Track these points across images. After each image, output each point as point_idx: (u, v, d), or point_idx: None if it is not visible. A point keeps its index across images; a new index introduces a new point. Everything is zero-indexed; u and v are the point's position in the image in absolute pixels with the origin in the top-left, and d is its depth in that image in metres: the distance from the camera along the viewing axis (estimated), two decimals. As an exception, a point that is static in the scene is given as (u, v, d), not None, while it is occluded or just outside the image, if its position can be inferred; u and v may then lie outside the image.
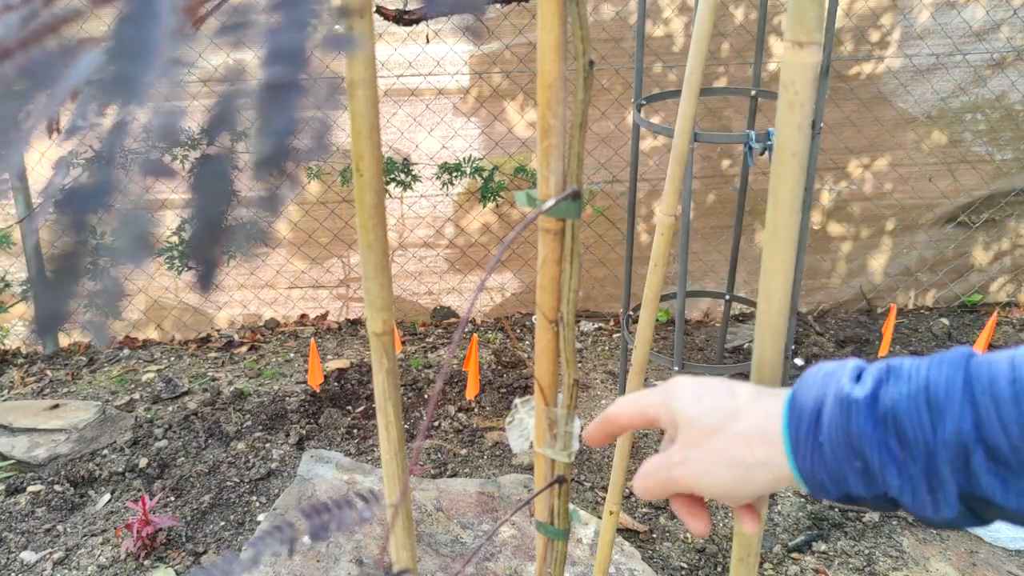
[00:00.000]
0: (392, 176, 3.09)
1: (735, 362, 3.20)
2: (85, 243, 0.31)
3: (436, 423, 2.75)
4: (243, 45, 0.33)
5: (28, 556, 2.15)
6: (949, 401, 0.44)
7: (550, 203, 0.60)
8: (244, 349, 3.33)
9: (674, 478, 0.55)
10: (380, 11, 2.38)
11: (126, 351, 3.33)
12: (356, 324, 3.52)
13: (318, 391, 2.89)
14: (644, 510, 2.33)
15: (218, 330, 3.49)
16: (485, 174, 3.12)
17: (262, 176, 0.29)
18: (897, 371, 0.47)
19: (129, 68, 0.29)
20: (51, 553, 2.15)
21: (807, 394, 0.49)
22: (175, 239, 2.97)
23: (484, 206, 3.30)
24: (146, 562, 2.11)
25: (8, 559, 2.14)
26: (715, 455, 0.53)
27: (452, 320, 3.56)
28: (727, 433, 0.52)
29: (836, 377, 0.49)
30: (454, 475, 2.47)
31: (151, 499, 2.21)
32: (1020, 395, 0.43)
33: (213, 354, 3.29)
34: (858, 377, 0.48)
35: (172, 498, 2.35)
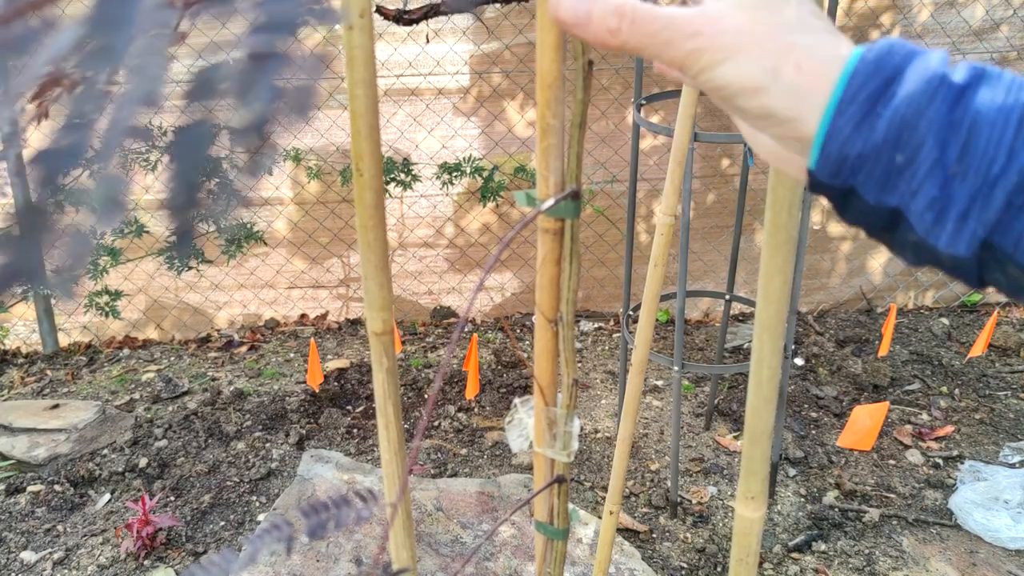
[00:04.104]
0: (392, 176, 3.08)
1: (735, 362, 3.20)
2: (56, 201, 0.31)
3: (436, 423, 2.75)
4: (230, 16, 0.33)
5: (28, 556, 2.15)
6: None
7: (549, 203, 0.60)
8: (244, 349, 3.33)
9: (677, 40, 0.41)
10: (380, 11, 2.38)
11: (126, 351, 3.33)
12: (356, 324, 3.52)
13: (318, 391, 2.89)
14: (644, 510, 2.33)
15: (218, 330, 3.49)
16: (485, 174, 3.12)
17: (243, 143, 0.30)
18: (995, 79, 0.38)
19: (110, 37, 0.30)
20: (51, 553, 2.15)
21: (890, 56, 0.39)
22: (175, 239, 2.97)
23: (484, 206, 3.30)
24: (146, 562, 2.11)
25: (8, 559, 2.14)
26: (749, 39, 0.40)
27: (452, 320, 3.56)
28: (781, 34, 0.41)
29: (923, 55, 0.39)
30: (454, 475, 2.47)
31: (151, 499, 2.21)
32: None
33: (213, 354, 3.29)
34: (949, 67, 0.39)
35: (172, 498, 2.35)
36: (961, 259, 0.39)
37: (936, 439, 2.65)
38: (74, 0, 1.89)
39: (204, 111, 0.32)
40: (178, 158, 0.31)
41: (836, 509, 2.31)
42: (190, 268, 2.93)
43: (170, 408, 2.85)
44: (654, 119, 3.07)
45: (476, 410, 2.81)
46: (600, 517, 2.20)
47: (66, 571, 2.10)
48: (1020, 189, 0.37)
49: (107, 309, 2.88)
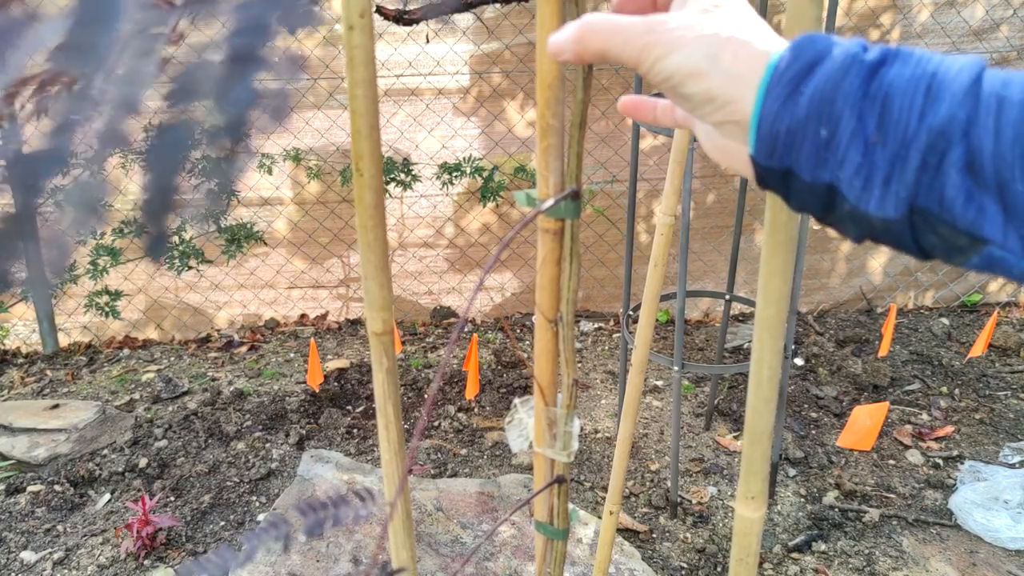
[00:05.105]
0: (392, 176, 3.09)
1: (735, 362, 3.20)
2: (34, 206, 0.31)
3: (436, 423, 2.75)
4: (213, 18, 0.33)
5: (28, 556, 2.15)
6: (951, 90, 0.40)
7: (549, 203, 0.60)
8: (244, 349, 3.33)
9: (632, 38, 0.48)
10: (380, 11, 2.38)
11: (126, 351, 3.33)
12: (356, 324, 3.52)
13: (318, 391, 2.89)
14: (644, 510, 2.33)
15: (218, 330, 3.49)
16: (485, 174, 3.12)
17: (219, 144, 0.30)
18: (907, 56, 0.43)
19: (93, 35, 0.30)
20: (51, 553, 2.15)
21: (812, 44, 0.45)
22: (175, 239, 2.97)
23: (484, 206, 3.30)
24: (146, 562, 2.11)
25: (8, 559, 2.14)
26: (694, 34, 0.47)
27: (452, 320, 3.56)
28: (721, 30, 0.47)
29: (844, 43, 0.45)
30: (454, 475, 2.47)
31: (151, 499, 2.21)
32: None
33: (213, 354, 3.29)
34: (865, 49, 0.44)
35: (172, 498, 2.35)
36: (892, 222, 0.43)
37: (936, 439, 2.65)
38: None
39: (180, 113, 0.32)
40: (155, 161, 0.31)
41: (836, 509, 2.31)
42: (190, 268, 2.92)
43: (170, 408, 2.85)
44: (654, 119, 3.07)
45: (476, 410, 2.81)
46: (600, 517, 2.20)
47: (66, 571, 2.10)
48: (932, 148, 0.40)
49: (107, 309, 2.88)
